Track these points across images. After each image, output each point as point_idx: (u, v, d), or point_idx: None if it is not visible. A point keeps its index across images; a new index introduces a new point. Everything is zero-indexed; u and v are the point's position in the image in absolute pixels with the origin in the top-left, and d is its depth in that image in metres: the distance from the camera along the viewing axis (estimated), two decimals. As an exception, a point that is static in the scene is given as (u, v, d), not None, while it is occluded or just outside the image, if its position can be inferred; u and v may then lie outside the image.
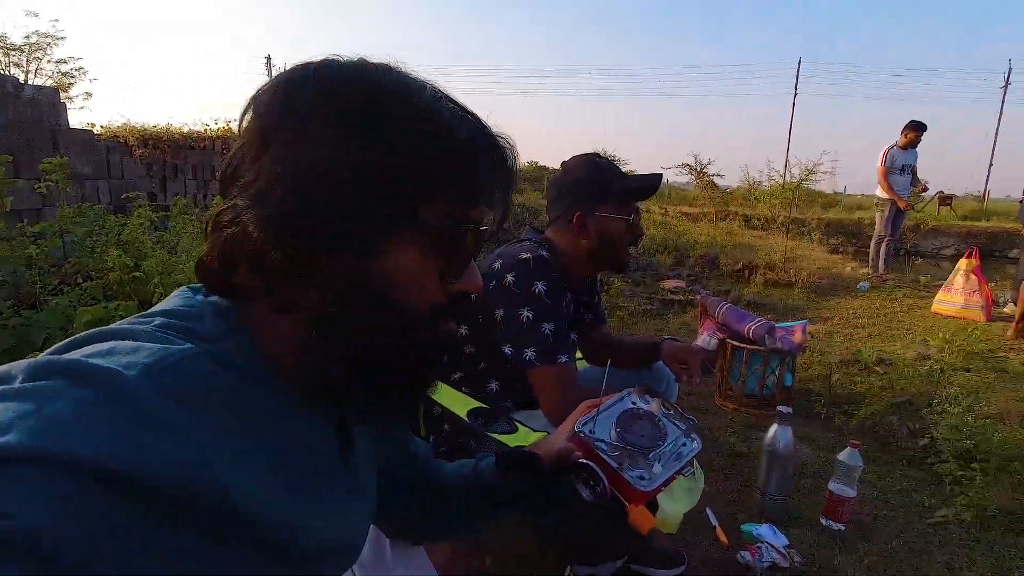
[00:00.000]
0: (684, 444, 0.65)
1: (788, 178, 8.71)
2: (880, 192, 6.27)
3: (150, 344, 0.44)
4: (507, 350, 1.34)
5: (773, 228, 8.65)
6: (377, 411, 0.57)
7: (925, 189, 7.12)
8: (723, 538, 1.82)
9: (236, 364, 0.48)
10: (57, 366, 0.39)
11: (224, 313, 0.52)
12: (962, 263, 5.02)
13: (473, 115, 0.54)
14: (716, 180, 13.70)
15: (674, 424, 0.67)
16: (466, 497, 0.81)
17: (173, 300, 0.54)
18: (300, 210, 0.47)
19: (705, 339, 3.05)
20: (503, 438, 1.25)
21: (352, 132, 0.48)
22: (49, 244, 2.33)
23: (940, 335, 4.03)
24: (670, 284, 5.74)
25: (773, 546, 1.74)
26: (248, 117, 0.51)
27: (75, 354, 0.42)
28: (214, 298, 0.53)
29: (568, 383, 1.32)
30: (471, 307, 0.57)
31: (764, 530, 1.82)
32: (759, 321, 2.86)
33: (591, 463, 0.64)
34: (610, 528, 0.65)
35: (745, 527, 1.87)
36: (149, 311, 0.51)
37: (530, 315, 1.32)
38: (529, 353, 1.31)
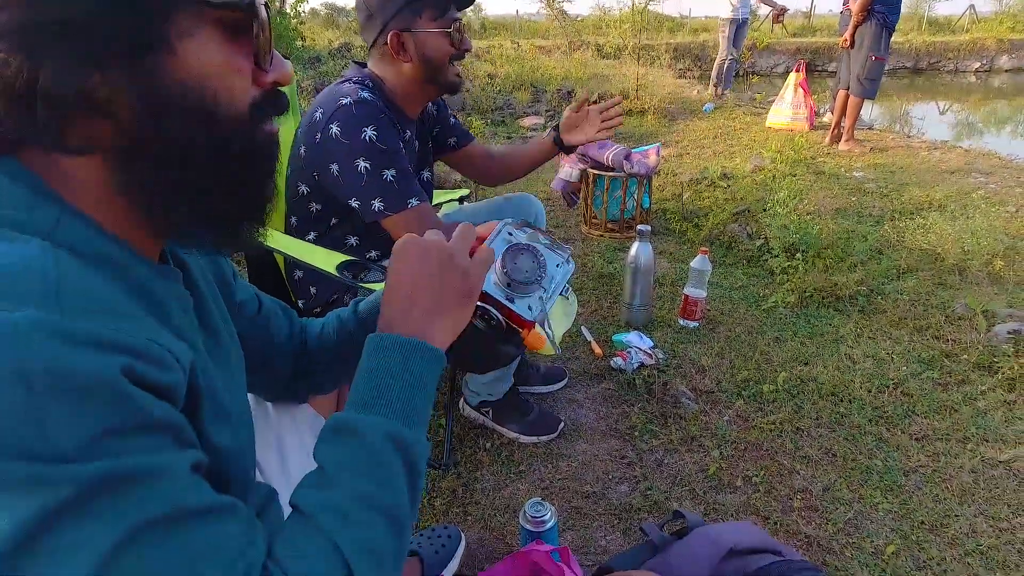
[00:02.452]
0: (559, 266, 0.68)
1: (636, 1, 8.61)
2: (722, 12, 6.40)
3: None
4: (354, 203, 1.26)
5: (624, 56, 8.68)
6: (223, 238, 0.52)
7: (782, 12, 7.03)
8: (597, 350, 2.01)
9: (83, 248, 0.42)
10: None
11: (20, 176, 0.42)
12: (791, 77, 5.40)
13: None
14: (566, 8, 13.26)
15: (551, 252, 0.69)
16: (345, 347, 0.78)
17: None
18: (46, 19, 0.37)
19: (567, 171, 3.11)
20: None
21: None
22: None
23: (772, 147, 4.43)
24: (528, 122, 5.69)
25: (640, 349, 1.95)
26: None
27: None
28: None
29: (426, 224, 1.28)
30: (286, 102, 0.52)
31: (632, 337, 2.03)
32: (616, 148, 2.95)
33: (483, 304, 0.65)
34: (503, 345, 0.68)
35: (616, 337, 2.06)
36: None
37: (367, 165, 1.22)
38: (377, 204, 1.24)
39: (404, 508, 0.49)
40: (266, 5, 0.47)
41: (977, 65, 13.40)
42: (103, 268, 0.42)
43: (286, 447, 0.84)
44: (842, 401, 1.79)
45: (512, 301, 0.65)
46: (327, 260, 1.24)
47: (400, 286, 0.56)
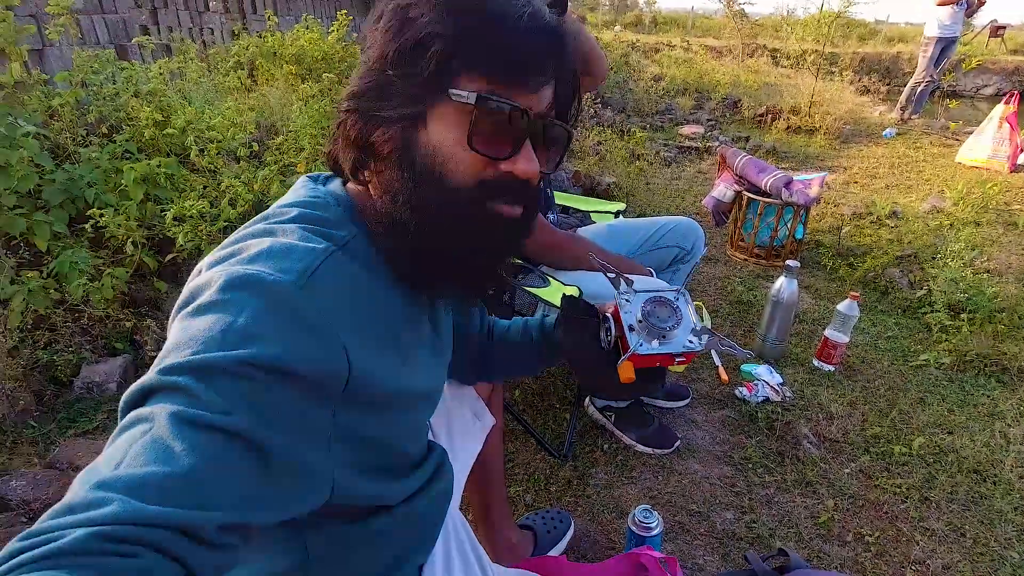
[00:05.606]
0: (690, 342, 0.78)
1: (825, 6, 8.00)
2: (928, 29, 5.79)
3: (298, 245, 0.54)
4: None
5: (803, 67, 8.14)
6: (449, 287, 0.65)
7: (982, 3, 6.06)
8: (724, 376, 2.05)
9: (360, 256, 0.59)
10: (239, 280, 0.50)
11: (343, 202, 0.62)
12: (998, 109, 4.81)
13: None
14: (746, 8, 12.61)
15: (690, 325, 0.80)
16: (518, 349, 0.95)
17: (301, 191, 0.64)
18: (360, 90, 0.58)
19: (722, 190, 3.09)
20: (537, 291, 1.38)
21: (394, 18, 0.56)
22: (72, 94, 2.31)
23: (958, 187, 4.01)
24: (688, 130, 5.60)
25: (768, 383, 1.96)
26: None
27: (244, 253, 0.53)
28: (332, 187, 0.64)
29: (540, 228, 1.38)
30: (527, 193, 0.61)
31: (761, 370, 2.04)
32: (777, 174, 2.87)
33: (612, 319, 0.81)
34: (612, 370, 0.80)
35: (745, 367, 2.09)
36: (286, 201, 0.62)
37: None
38: None
39: None
40: (512, 106, 0.56)
41: None
42: (368, 271, 0.59)
43: (452, 417, 1.04)
44: (985, 481, 1.69)
45: (631, 330, 0.78)
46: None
47: None
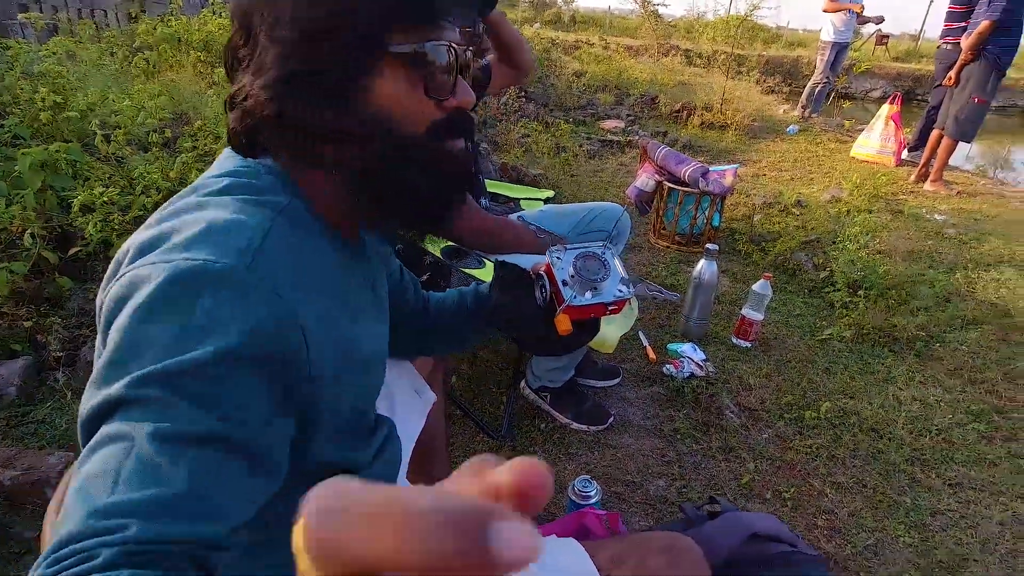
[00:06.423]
0: (620, 291, 0.82)
1: (733, 10, 8.47)
2: (824, 35, 6.25)
3: (236, 219, 0.52)
4: None
5: (714, 66, 8.58)
6: (413, 228, 0.67)
7: (880, 21, 6.68)
8: (652, 355, 2.15)
9: (300, 221, 0.58)
10: (184, 275, 0.47)
11: (274, 171, 0.60)
12: (884, 108, 5.27)
13: None
14: (660, 10, 13.14)
15: (619, 276, 0.83)
16: (454, 319, 0.96)
17: (228, 163, 0.61)
18: (287, 75, 0.54)
19: (644, 180, 3.22)
20: (474, 272, 1.40)
21: None
22: (-50, 74, 2.09)
23: (853, 179, 4.38)
24: (609, 125, 5.77)
25: (692, 360, 2.07)
26: (232, 8, 0.57)
27: (179, 237, 0.51)
28: (262, 159, 0.60)
29: (472, 214, 1.41)
30: (470, 124, 0.64)
31: (686, 348, 2.15)
32: (695, 165, 3.03)
33: (545, 276, 0.84)
34: (549, 325, 0.83)
35: (671, 346, 2.19)
36: (215, 172, 0.59)
37: None
38: None
39: None
40: (444, 44, 0.58)
41: (1097, 112, 12.41)
42: (310, 236, 0.58)
43: (394, 393, 1.04)
44: (881, 438, 1.87)
45: (564, 284, 0.81)
46: (434, 243, 1.43)
47: None
